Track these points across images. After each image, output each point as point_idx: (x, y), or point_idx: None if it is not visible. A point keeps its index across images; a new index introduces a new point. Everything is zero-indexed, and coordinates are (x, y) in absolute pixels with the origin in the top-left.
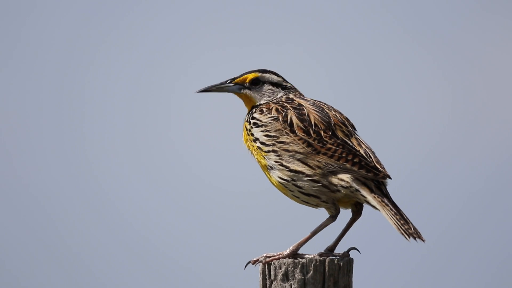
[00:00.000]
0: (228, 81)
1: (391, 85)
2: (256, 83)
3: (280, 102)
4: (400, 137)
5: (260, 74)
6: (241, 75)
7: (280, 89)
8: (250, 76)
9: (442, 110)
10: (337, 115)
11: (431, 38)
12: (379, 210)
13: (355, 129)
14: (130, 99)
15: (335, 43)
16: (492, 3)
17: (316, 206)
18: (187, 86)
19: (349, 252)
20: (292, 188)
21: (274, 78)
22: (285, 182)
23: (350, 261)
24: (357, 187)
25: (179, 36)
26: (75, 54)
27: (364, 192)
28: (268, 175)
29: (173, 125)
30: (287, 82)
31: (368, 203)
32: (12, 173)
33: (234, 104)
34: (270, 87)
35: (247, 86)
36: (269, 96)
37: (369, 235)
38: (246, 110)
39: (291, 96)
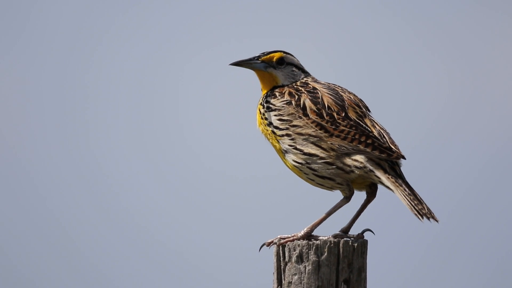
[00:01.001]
0: (256, 58)
1: (392, 65)
2: (281, 63)
3: (295, 86)
4: (401, 116)
5: (284, 54)
6: (268, 53)
7: (301, 72)
8: (277, 55)
9: (441, 89)
10: (351, 97)
11: (429, 18)
12: (392, 191)
13: (369, 111)
14: (136, 90)
15: (331, 25)
16: None
17: (331, 188)
18: (192, 79)
19: (364, 234)
20: (307, 171)
21: (295, 60)
22: (300, 165)
23: (365, 243)
24: (371, 167)
25: (185, 27)
26: (80, 43)
27: (378, 173)
28: (283, 159)
29: (181, 113)
30: (303, 66)
31: (382, 183)
32: (18, 172)
33: (245, 87)
34: (293, 68)
35: (273, 65)
36: (293, 78)
37: (384, 217)
38: (259, 93)
39: (307, 80)
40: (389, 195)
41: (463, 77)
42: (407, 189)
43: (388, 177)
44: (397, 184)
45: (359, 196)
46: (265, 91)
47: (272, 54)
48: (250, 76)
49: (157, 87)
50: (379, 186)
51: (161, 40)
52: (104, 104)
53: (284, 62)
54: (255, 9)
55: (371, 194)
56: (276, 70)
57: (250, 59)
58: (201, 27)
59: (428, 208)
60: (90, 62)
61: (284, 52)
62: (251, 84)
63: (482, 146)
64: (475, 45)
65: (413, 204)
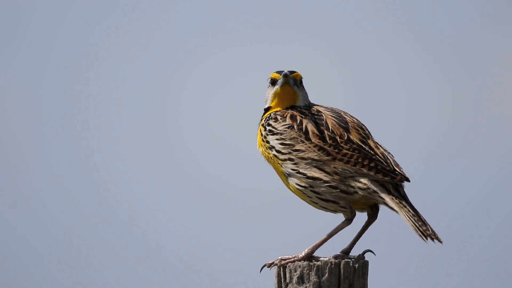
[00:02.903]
0: (290, 73)
1: (392, 86)
2: (301, 83)
3: (299, 109)
4: (401, 137)
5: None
6: (293, 72)
7: (308, 97)
8: (299, 75)
9: (443, 110)
10: (354, 120)
11: (431, 38)
12: (396, 212)
13: (371, 135)
14: (138, 95)
15: (336, 43)
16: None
17: (334, 211)
18: (196, 83)
19: (364, 255)
20: (310, 194)
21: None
22: (303, 188)
23: (365, 264)
24: (375, 188)
25: (190, 34)
26: (81, 48)
27: (382, 194)
28: (286, 182)
29: (183, 121)
30: None
31: (386, 204)
32: (19, 174)
33: (251, 96)
34: (305, 91)
35: (297, 84)
36: (307, 101)
37: (385, 238)
38: (259, 110)
39: (311, 105)
40: (389, 216)
41: (467, 97)
42: (411, 210)
43: (392, 198)
44: (402, 205)
45: (360, 217)
46: (276, 109)
47: (297, 73)
48: (258, 82)
49: (161, 94)
50: (382, 207)
51: (164, 46)
52: (107, 109)
53: (302, 83)
54: (259, 16)
55: (372, 215)
56: (299, 90)
57: (288, 72)
58: (205, 33)
59: (432, 229)
60: (93, 65)
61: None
62: (259, 91)
63: (485, 166)
64: (479, 63)
65: (417, 225)
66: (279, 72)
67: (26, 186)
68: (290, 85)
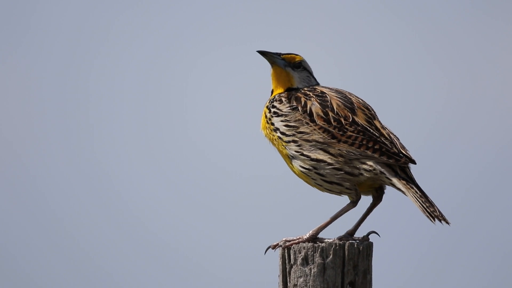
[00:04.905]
0: (278, 54)
1: (389, 69)
2: (299, 66)
3: (303, 91)
4: (402, 119)
5: (303, 58)
6: (288, 53)
7: (313, 79)
8: (297, 57)
9: (440, 90)
10: (360, 100)
11: (426, 19)
12: (404, 193)
13: (377, 116)
14: (142, 91)
15: (332, 27)
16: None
17: (339, 193)
18: (200, 80)
19: (369, 236)
20: (315, 176)
21: (309, 67)
22: (307, 171)
23: (370, 245)
24: (382, 169)
25: (191, 29)
26: (83, 43)
27: (389, 175)
28: (290, 164)
29: (185, 110)
30: (314, 75)
31: (393, 185)
32: (22, 172)
33: (255, 87)
34: (308, 74)
35: (291, 66)
36: (307, 83)
37: (389, 219)
38: (267, 93)
39: (316, 86)
40: (394, 198)
41: (463, 79)
42: (418, 192)
43: (400, 179)
44: (409, 187)
45: (365, 200)
46: (277, 92)
47: (293, 55)
48: (260, 76)
49: (165, 88)
50: (387, 189)
51: (167, 40)
52: (110, 104)
53: (301, 66)
54: (259, 10)
55: (377, 198)
56: (294, 71)
57: (274, 54)
58: (207, 28)
59: (439, 211)
60: (96, 60)
61: (301, 56)
62: (261, 84)
63: (483, 147)
64: (474, 47)
65: (425, 206)
66: None
67: (27, 184)
68: (279, 65)
